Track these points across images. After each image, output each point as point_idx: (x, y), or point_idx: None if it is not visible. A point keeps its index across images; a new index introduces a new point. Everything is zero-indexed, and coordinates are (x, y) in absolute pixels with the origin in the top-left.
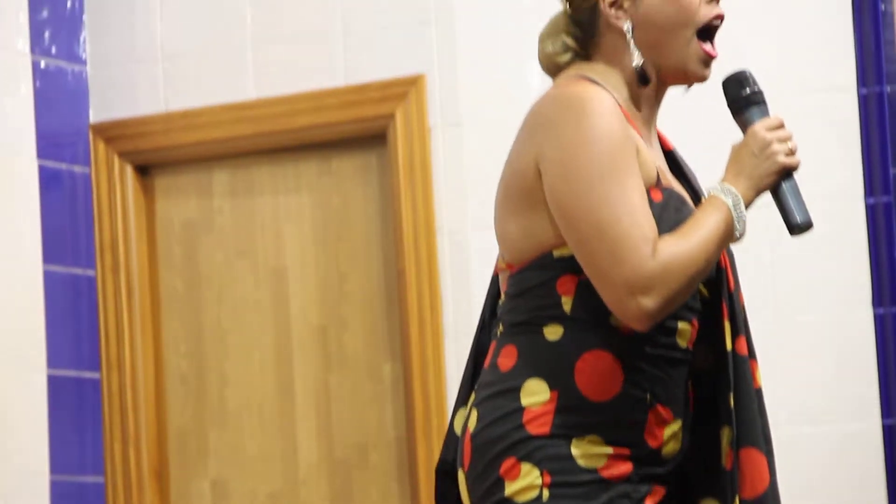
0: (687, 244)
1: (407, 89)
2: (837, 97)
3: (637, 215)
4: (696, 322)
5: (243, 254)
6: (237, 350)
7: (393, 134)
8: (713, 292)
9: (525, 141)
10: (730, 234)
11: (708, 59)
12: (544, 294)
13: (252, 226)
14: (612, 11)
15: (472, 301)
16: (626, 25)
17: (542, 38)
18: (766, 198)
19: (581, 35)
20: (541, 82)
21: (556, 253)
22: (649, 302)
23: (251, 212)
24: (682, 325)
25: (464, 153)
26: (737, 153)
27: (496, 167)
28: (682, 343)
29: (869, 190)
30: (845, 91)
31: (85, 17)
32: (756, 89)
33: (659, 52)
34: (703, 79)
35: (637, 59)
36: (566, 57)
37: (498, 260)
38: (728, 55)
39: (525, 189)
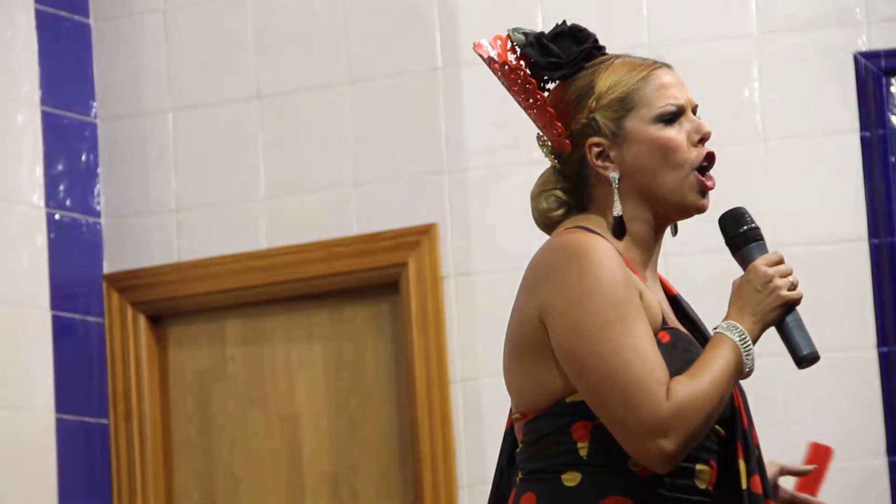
0: (699, 384)
1: (419, 238)
2: (849, 247)
3: (648, 360)
4: (714, 463)
5: (255, 402)
6: (250, 498)
7: (405, 283)
8: (729, 431)
9: (527, 294)
10: (739, 371)
11: (705, 190)
12: (560, 441)
13: (264, 374)
14: (599, 162)
15: (486, 450)
16: (614, 175)
17: (535, 196)
18: None
19: (572, 188)
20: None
21: (569, 399)
22: (668, 444)
23: (263, 360)
24: (699, 466)
25: (476, 302)
26: (739, 289)
27: (508, 316)
28: (701, 485)
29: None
30: (857, 241)
31: (99, 169)
32: (753, 225)
33: (654, 193)
34: (702, 209)
35: (617, 210)
36: (561, 212)
37: (511, 410)
38: (738, 203)
39: (531, 341)
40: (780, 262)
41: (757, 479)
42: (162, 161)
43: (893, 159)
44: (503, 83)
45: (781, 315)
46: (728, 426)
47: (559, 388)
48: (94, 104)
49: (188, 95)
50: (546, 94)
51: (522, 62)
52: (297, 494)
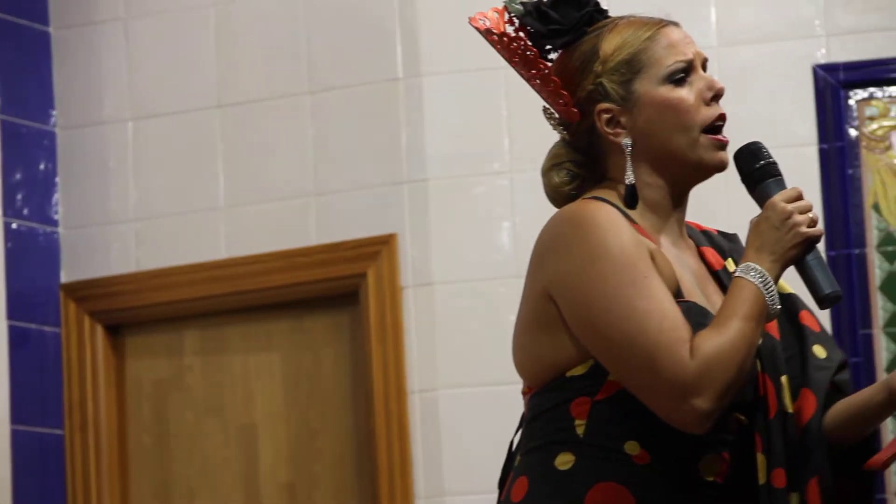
0: (724, 335)
1: (379, 248)
2: None
3: (666, 320)
4: (726, 455)
5: (213, 412)
6: None
7: (365, 293)
8: (750, 419)
9: (534, 268)
10: (764, 313)
11: (722, 144)
12: (558, 417)
13: (222, 384)
14: (610, 129)
15: (443, 461)
16: (626, 141)
17: (545, 172)
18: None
19: (584, 160)
20: (512, 245)
21: (569, 374)
22: (702, 402)
23: (221, 370)
24: (707, 456)
25: (435, 313)
26: (757, 227)
27: (467, 327)
28: (708, 476)
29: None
30: None
31: (58, 178)
32: (771, 160)
33: (670, 156)
34: (721, 165)
35: (629, 178)
36: (573, 185)
37: (523, 386)
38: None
39: (538, 315)
40: (799, 197)
41: (781, 472)
42: (121, 170)
43: (851, 172)
44: (503, 56)
45: (802, 253)
46: (750, 414)
47: (561, 360)
48: (54, 113)
49: (148, 104)
50: (549, 63)
51: (522, 33)
52: None
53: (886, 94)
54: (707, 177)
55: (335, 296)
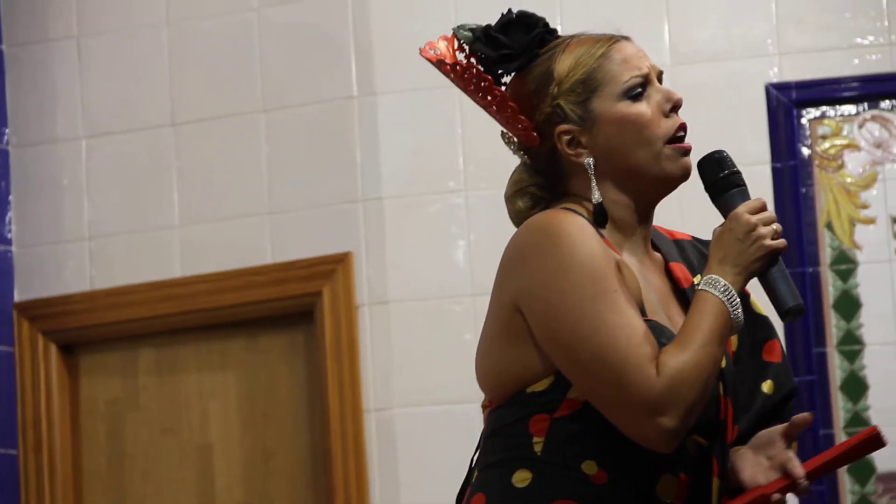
0: (689, 352)
1: (334, 267)
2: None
3: (635, 336)
4: (684, 476)
5: (168, 431)
6: None
7: (320, 312)
8: (710, 441)
9: (501, 279)
10: (728, 327)
11: (685, 150)
12: (517, 433)
13: (177, 403)
14: (571, 150)
15: (399, 481)
16: (589, 161)
17: (509, 197)
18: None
19: (546, 182)
20: (468, 263)
21: (529, 390)
22: (668, 421)
23: (177, 389)
24: (664, 476)
25: (391, 332)
26: (720, 239)
27: (422, 346)
28: (666, 497)
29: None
30: None
31: (11, 197)
32: (735, 170)
33: (633, 172)
34: (685, 171)
35: (596, 197)
36: (539, 208)
37: (484, 399)
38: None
39: (504, 328)
40: (763, 209)
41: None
42: (75, 188)
43: (804, 190)
44: (458, 85)
45: (766, 265)
46: (710, 436)
47: (524, 376)
48: (6, 131)
49: (101, 122)
50: (504, 87)
51: (473, 59)
52: None
53: (839, 113)
54: (672, 189)
55: (290, 314)
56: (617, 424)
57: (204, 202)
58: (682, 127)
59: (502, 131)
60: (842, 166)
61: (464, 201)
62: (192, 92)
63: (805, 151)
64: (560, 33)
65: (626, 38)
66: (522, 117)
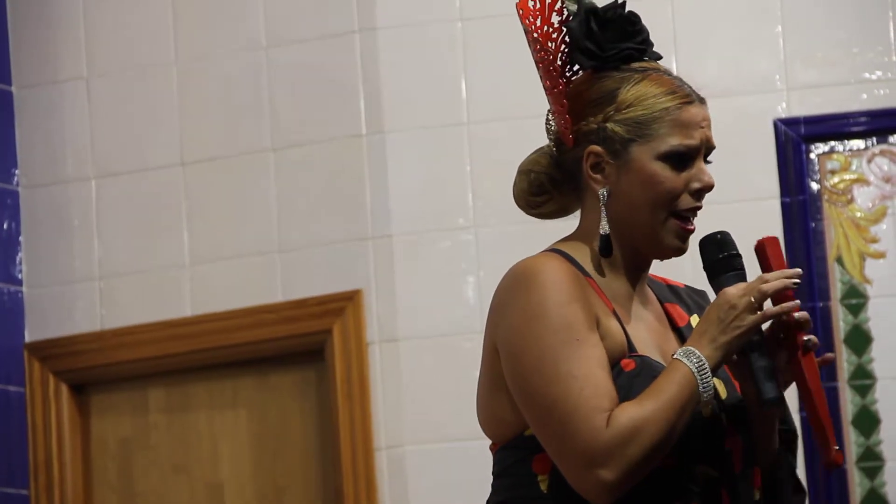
0: (645, 411)
1: (344, 305)
2: None
3: (589, 387)
4: None
5: (179, 470)
6: None
7: (330, 349)
8: (720, 472)
9: (488, 324)
10: (694, 399)
11: (684, 234)
12: (521, 473)
13: (188, 442)
14: (592, 173)
15: None
16: (603, 191)
17: (520, 172)
18: None
19: (561, 180)
20: (478, 300)
21: (528, 433)
22: (607, 474)
23: (187, 428)
24: None
25: (401, 369)
26: (707, 314)
27: (433, 383)
28: None
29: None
30: None
31: (21, 237)
32: (734, 252)
33: (633, 225)
34: (679, 251)
35: (604, 228)
36: (541, 198)
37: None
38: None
39: (492, 370)
40: (752, 291)
41: None
42: (85, 229)
43: (814, 225)
44: (533, 56)
45: (743, 343)
46: (719, 467)
47: (517, 421)
48: (17, 172)
49: (111, 163)
50: (565, 79)
51: (564, 29)
52: None
53: (847, 148)
54: (661, 258)
55: (301, 352)
56: (562, 472)
57: (214, 241)
58: (696, 209)
59: (547, 116)
60: (851, 201)
61: (473, 238)
62: (201, 131)
63: (814, 186)
64: (652, 52)
65: (701, 101)
66: (568, 117)
